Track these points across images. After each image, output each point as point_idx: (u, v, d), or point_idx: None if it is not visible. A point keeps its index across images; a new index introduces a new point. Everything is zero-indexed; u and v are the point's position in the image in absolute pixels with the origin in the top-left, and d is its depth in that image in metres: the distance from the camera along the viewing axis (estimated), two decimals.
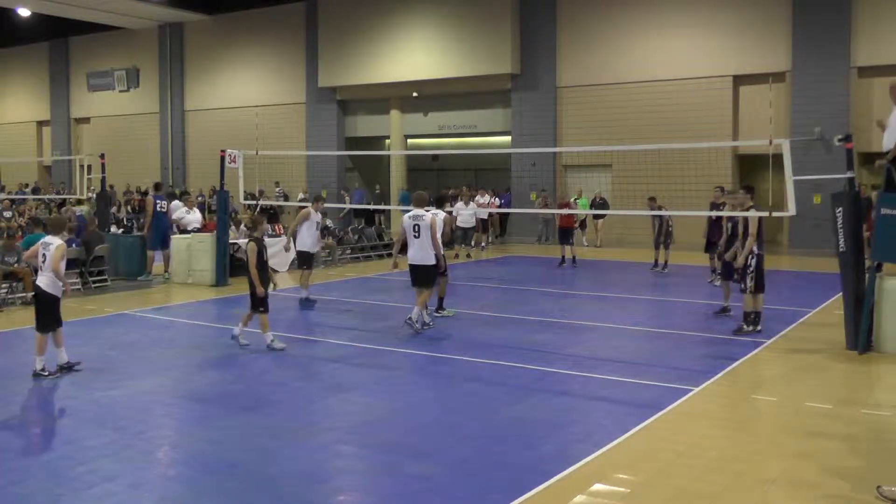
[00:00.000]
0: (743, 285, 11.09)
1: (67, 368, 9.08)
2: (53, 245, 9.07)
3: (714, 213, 14.03)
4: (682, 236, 18.72)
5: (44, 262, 9.05)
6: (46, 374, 8.90)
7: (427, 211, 11.65)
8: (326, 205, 26.54)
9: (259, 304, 10.30)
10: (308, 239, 13.95)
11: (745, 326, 11.10)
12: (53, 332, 9.06)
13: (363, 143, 31.34)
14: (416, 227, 11.32)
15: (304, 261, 14.03)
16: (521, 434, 6.96)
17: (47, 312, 9.05)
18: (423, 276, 11.41)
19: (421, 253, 11.33)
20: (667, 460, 6.37)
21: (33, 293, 9.44)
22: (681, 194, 18.97)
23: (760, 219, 11.00)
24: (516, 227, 27.06)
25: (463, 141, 29.83)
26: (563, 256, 19.02)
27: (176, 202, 18.83)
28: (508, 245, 25.45)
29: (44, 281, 9.07)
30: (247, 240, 10.51)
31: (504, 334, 11.31)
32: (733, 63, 23.25)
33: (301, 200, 23.95)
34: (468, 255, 21.71)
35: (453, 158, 29.80)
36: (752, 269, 10.96)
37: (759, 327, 11.04)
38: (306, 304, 13.50)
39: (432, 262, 11.36)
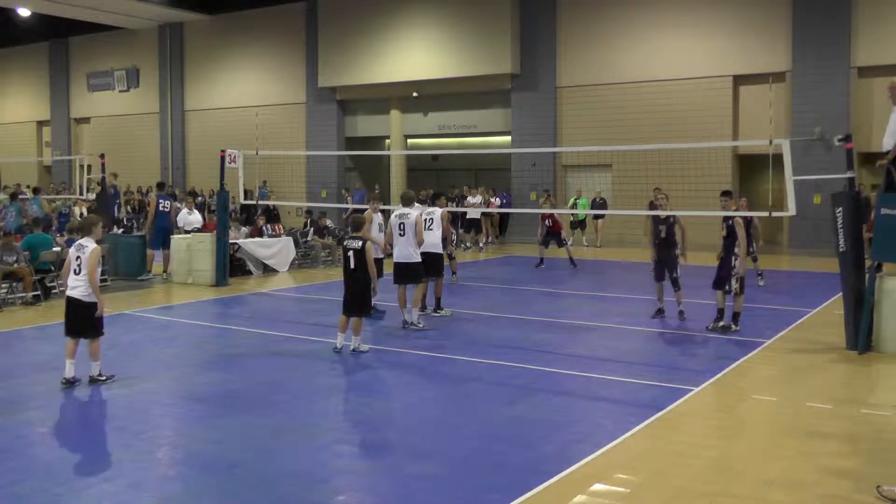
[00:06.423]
0: (728, 287, 11.13)
1: (102, 381, 8.56)
2: (89, 249, 8.46)
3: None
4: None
5: (78, 266, 8.45)
6: (70, 383, 8.47)
7: (416, 208, 11.84)
8: (326, 205, 26.66)
9: (369, 307, 10.23)
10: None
11: (733, 326, 11.22)
12: (91, 339, 8.56)
13: (363, 143, 31.33)
14: (402, 226, 11.52)
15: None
16: (521, 434, 6.96)
17: (84, 319, 8.49)
18: (408, 274, 11.57)
19: (406, 250, 11.53)
20: (667, 460, 6.37)
21: (66, 303, 8.62)
22: (681, 194, 18.93)
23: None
24: (516, 227, 27.04)
25: (463, 141, 29.81)
26: (542, 258, 18.91)
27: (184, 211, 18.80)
28: (508, 245, 25.43)
29: (79, 290, 8.45)
30: (360, 242, 9.82)
31: (504, 334, 11.32)
32: (733, 63, 23.23)
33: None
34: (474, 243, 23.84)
35: (453, 158, 29.77)
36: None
37: (737, 327, 11.23)
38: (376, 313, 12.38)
39: (417, 259, 11.55)
